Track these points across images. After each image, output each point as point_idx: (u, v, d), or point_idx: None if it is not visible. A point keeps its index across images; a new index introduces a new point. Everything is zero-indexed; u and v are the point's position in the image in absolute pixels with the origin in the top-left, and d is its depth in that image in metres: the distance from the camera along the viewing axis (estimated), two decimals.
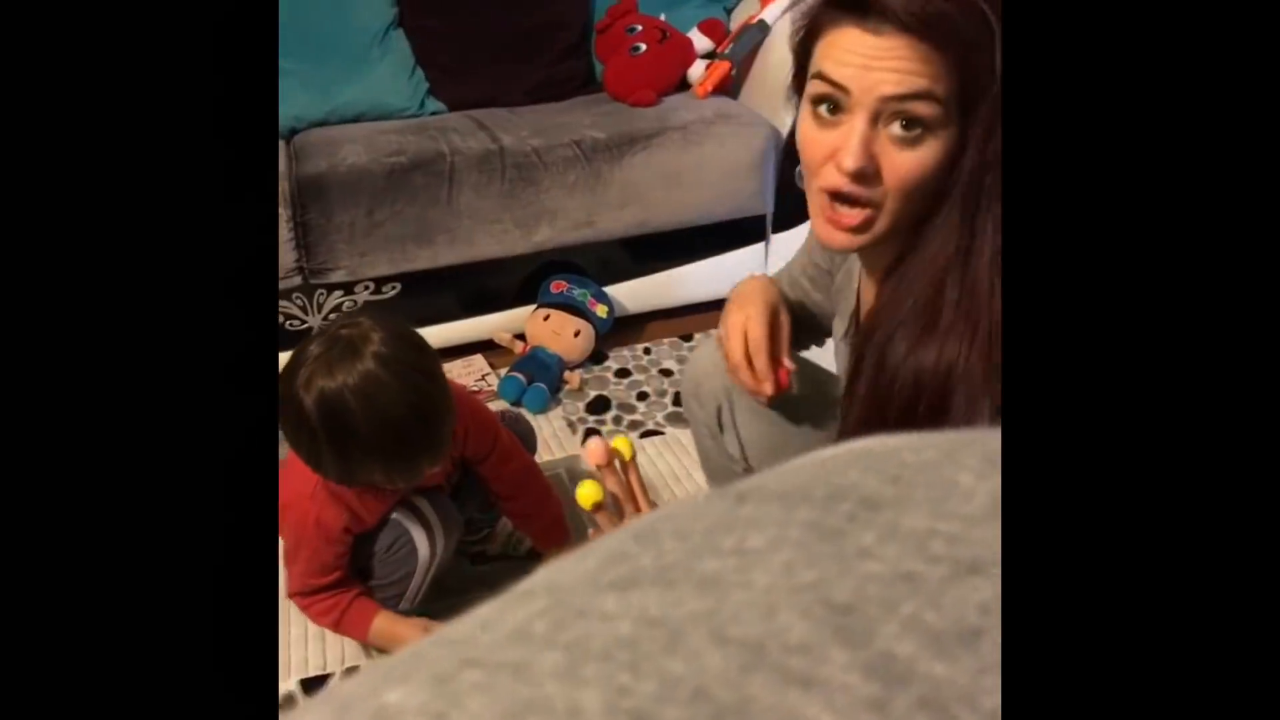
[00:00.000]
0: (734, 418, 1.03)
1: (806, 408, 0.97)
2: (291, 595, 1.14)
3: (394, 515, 1.12)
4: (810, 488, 0.18)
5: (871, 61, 0.69)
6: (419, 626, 1.14)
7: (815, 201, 0.77)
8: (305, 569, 1.09)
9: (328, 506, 1.05)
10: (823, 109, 0.73)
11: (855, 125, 0.71)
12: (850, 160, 0.70)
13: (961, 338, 0.73)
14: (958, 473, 0.18)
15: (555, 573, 0.18)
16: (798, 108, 0.80)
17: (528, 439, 1.35)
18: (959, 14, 0.68)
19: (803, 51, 0.77)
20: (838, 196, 0.74)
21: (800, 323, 1.09)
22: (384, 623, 1.13)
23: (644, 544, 0.18)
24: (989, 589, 0.16)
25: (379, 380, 0.91)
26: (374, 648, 1.17)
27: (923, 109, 0.69)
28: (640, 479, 0.86)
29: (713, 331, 1.07)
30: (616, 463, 0.86)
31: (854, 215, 0.73)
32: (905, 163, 0.71)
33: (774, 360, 0.91)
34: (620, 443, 1.01)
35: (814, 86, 0.74)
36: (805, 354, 1.12)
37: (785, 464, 0.20)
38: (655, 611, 0.16)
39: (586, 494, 0.84)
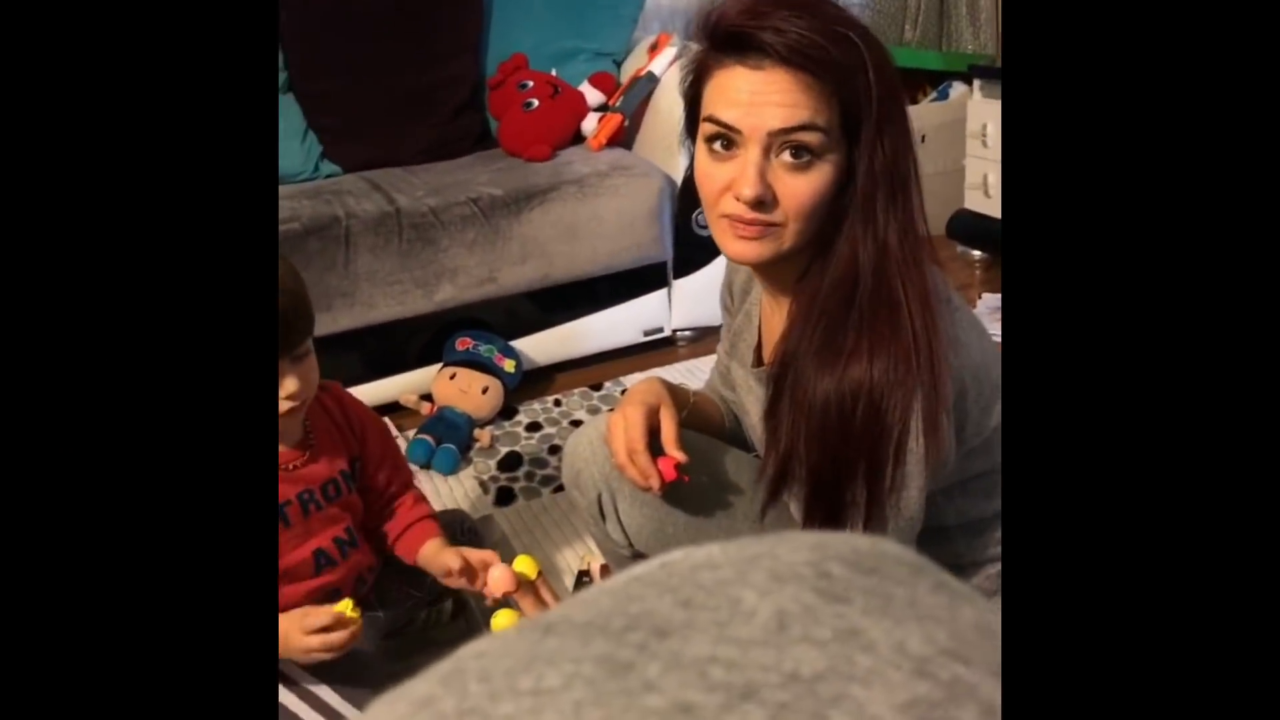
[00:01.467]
0: (615, 505, 1.04)
1: (691, 491, 0.98)
2: None
3: None
4: (609, 617, 0.19)
5: (756, 97, 0.75)
6: (294, 618, 0.99)
7: (719, 226, 0.82)
8: None
9: None
10: (717, 145, 0.79)
11: (749, 157, 0.76)
12: (749, 189, 0.76)
13: (886, 352, 0.77)
14: (744, 591, 0.19)
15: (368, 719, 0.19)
16: (691, 150, 0.85)
17: (479, 535, 1.30)
18: (832, 45, 0.74)
19: (693, 96, 0.83)
20: (739, 220, 0.79)
21: (719, 418, 1.12)
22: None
23: (449, 687, 0.19)
24: (760, 715, 0.17)
25: None
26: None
27: (808, 138, 0.76)
28: (553, 592, 0.87)
29: (595, 417, 1.08)
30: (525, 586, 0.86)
31: (757, 229, 0.79)
32: (798, 186, 0.77)
33: (658, 454, 0.93)
34: (522, 564, 1.01)
35: (706, 129, 0.80)
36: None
37: (594, 587, 0.21)
38: None
39: (504, 624, 0.84)
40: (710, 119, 0.78)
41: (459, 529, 1.29)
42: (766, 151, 0.76)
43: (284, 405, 1.00)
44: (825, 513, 0.83)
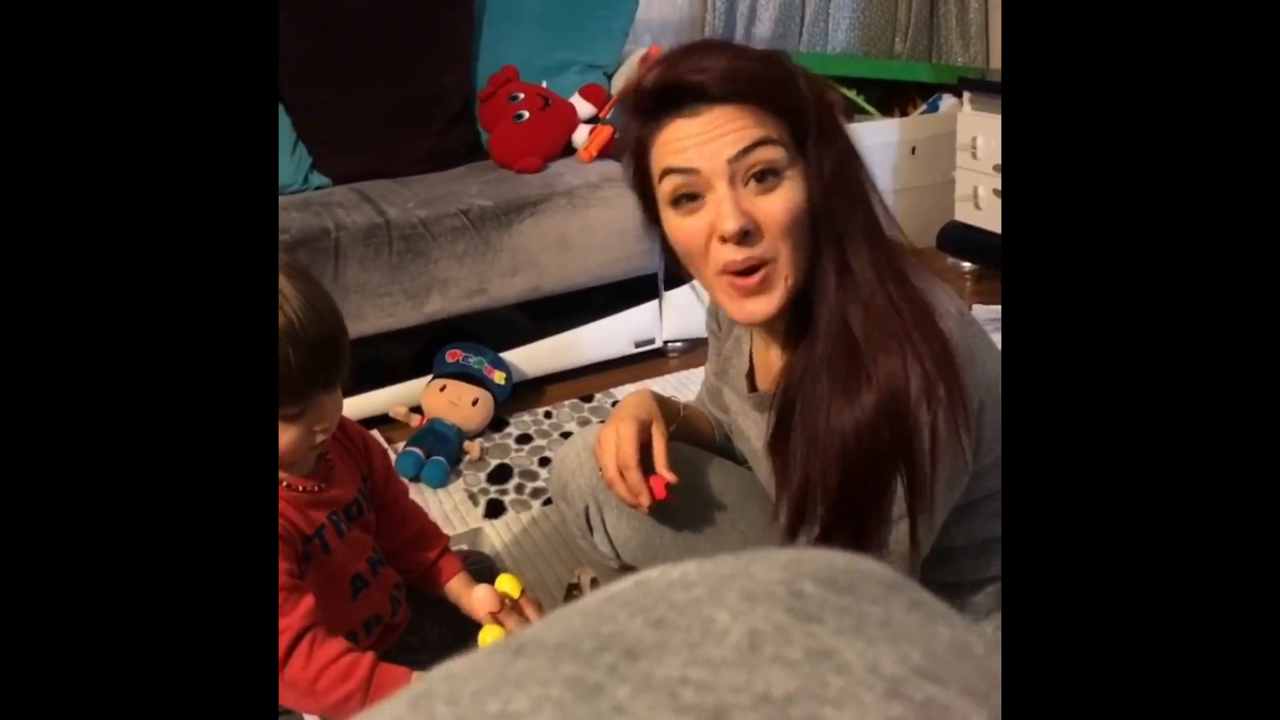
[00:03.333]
0: (603, 517, 1.03)
1: (679, 504, 0.97)
2: (283, 670, 0.93)
3: None
4: (580, 638, 0.19)
5: (704, 137, 0.75)
6: None
7: (719, 288, 0.80)
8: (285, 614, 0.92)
9: None
10: (683, 202, 0.78)
11: (720, 193, 0.75)
12: (731, 222, 0.74)
13: (902, 359, 0.75)
14: (716, 611, 0.19)
15: None
16: (659, 235, 0.84)
17: (488, 569, 1.30)
18: (760, 67, 0.75)
19: (641, 180, 0.82)
20: (735, 272, 0.77)
21: (709, 431, 1.12)
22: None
23: (417, 710, 0.18)
24: None
25: (294, 288, 0.95)
26: None
27: (767, 154, 0.75)
28: (538, 608, 0.87)
29: (584, 429, 1.08)
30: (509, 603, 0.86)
31: (755, 277, 0.77)
32: (774, 207, 0.76)
33: (648, 470, 0.92)
34: (505, 583, 1.01)
35: (667, 184, 0.78)
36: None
37: (568, 608, 0.21)
38: None
39: (491, 639, 0.84)
40: (667, 170, 0.77)
41: (472, 566, 1.28)
42: (733, 182, 0.75)
43: (319, 436, 0.97)
44: (845, 544, 0.81)
